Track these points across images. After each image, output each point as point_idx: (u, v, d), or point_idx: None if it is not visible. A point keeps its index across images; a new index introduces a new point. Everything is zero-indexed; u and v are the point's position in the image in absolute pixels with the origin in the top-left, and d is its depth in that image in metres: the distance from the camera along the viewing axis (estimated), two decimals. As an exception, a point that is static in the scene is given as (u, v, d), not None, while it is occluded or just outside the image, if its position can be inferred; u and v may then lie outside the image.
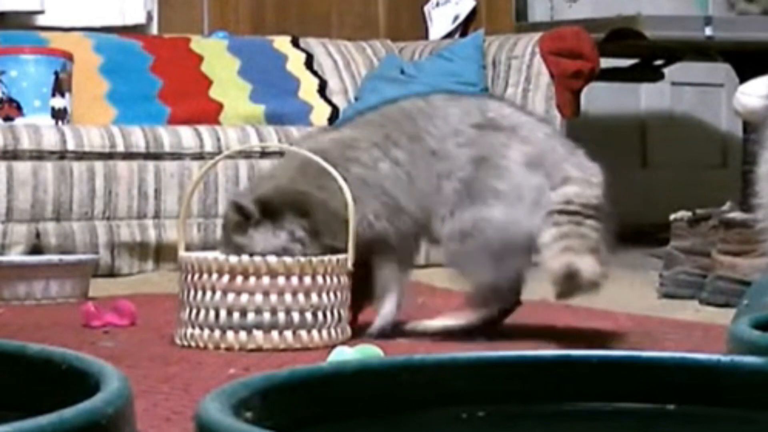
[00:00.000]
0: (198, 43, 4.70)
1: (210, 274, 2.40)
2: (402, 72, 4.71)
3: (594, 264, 2.36)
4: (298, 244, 2.49)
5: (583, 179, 2.46)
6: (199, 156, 4.03)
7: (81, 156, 3.92)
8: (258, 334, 2.38)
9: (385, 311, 2.50)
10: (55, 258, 3.33)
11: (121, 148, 3.98)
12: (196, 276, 2.41)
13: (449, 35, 5.24)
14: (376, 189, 2.50)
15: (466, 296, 2.50)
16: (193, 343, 2.41)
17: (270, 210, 2.50)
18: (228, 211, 2.57)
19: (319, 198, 2.50)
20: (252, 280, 2.39)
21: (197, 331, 2.41)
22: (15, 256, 3.67)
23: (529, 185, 2.43)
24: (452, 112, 2.52)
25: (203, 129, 4.16)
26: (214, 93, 4.53)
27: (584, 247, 2.38)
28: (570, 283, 2.34)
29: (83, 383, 0.86)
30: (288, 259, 2.42)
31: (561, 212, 2.41)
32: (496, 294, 2.47)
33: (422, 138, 2.50)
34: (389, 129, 2.54)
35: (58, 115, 4.09)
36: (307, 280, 2.41)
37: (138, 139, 4.02)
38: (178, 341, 2.45)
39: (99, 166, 3.93)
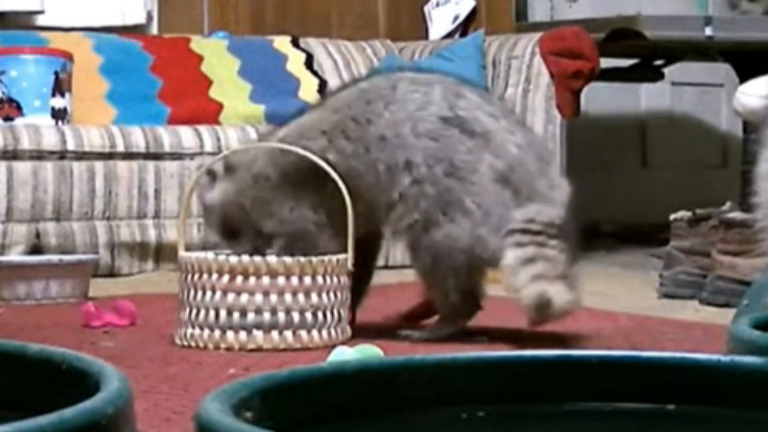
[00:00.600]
0: (198, 43, 4.70)
1: (210, 274, 2.40)
2: (402, 72, 4.71)
3: (565, 291, 2.35)
4: (248, 200, 2.51)
5: (549, 197, 2.42)
6: (199, 156, 4.03)
7: (81, 156, 3.92)
8: (258, 334, 2.38)
9: None
10: (55, 258, 3.33)
11: (121, 148, 3.98)
12: (196, 276, 2.41)
13: (449, 35, 5.24)
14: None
15: (440, 310, 2.51)
16: (193, 343, 2.41)
17: (230, 168, 2.54)
18: (199, 176, 2.59)
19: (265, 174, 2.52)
20: (252, 280, 2.39)
21: (197, 331, 2.41)
22: (15, 256, 3.67)
23: (496, 202, 2.39)
24: (413, 97, 2.45)
25: (203, 129, 4.16)
26: (214, 93, 4.53)
27: (554, 273, 2.36)
28: (543, 313, 2.34)
29: (83, 383, 0.86)
30: (288, 259, 2.42)
31: (523, 231, 2.37)
32: (463, 311, 2.49)
33: (372, 122, 2.45)
34: (342, 115, 2.49)
35: (58, 115, 4.09)
36: (307, 280, 2.41)
37: (138, 139, 4.02)
38: (178, 341, 2.45)
39: (99, 166, 3.93)
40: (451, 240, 2.40)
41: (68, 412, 0.75)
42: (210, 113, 4.42)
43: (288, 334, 2.39)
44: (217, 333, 2.39)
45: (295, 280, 2.40)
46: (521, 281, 2.35)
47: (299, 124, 2.56)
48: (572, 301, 2.36)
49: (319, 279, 2.42)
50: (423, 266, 2.47)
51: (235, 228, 2.54)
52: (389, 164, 2.43)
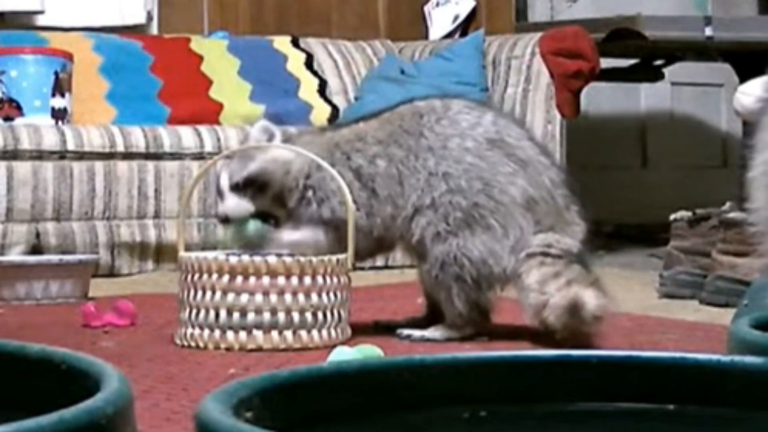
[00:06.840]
0: (198, 43, 4.70)
1: (210, 274, 2.40)
2: (402, 72, 4.71)
3: (598, 296, 2.39)
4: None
5: (568, 231, 2.49)
6: (199, 156, 4.03)
7: (81, 156, 3.92)
8: (258, 334, 2.38)
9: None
10: (55, 258, 3.33)
11: (121, 148, 3.98)
12: (196, 276, 2.41)
13: (449, 35, 5.24)
14: (367, 182, 2.55)
15: (446, 317, 2.52)
16: (193, 343, 2.41)
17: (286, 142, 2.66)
18: (254, 129, 2.71)
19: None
20: (252, 280, 2.39)
21: (197, 331, 2.41)
22: (15, 256, 3.67)
23: (518, 225, 2.46)
24: (465, 118, 2.54)
25: (203, 129, 4.16)
26: (214, 93, 4.53)
27: (587, 280, 2.42)
28: (576, 317, 2.36)
29: (83, 383, 0.86)
30: (288, 259, 2.42)
31: (543, 254, 2.44)
32: (470, 320, 2.50)
33: (423, 135, 2.53)
34: (395, 126, 2.57)
35: (58, 115, 4.09)
36: (307, 280, 2.41)
37: (138, 139, 4.02)
38: (178, 341, 2.45)
39: (99, 166, 3.94)
40: (465, 251, 2.46)
41: (68, 412, 0.75)
42: (210, 113, 4.42)
43: (288, 334, 2.40)
44: (217, 333, 2.39)
45: (295, 280, 2.40)
46: (551, 291, 2.39)
47: (355, 129, 2.63)
48: (605, 305, 2.39)
49: (319, 279, 2.42)
50: (430, 271, 2.48)
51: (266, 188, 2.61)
52: (431, 171, 2.50)
